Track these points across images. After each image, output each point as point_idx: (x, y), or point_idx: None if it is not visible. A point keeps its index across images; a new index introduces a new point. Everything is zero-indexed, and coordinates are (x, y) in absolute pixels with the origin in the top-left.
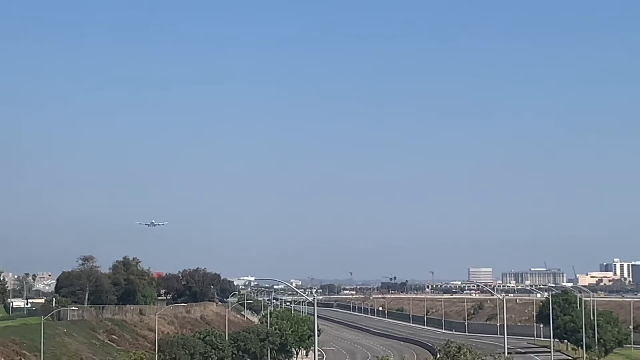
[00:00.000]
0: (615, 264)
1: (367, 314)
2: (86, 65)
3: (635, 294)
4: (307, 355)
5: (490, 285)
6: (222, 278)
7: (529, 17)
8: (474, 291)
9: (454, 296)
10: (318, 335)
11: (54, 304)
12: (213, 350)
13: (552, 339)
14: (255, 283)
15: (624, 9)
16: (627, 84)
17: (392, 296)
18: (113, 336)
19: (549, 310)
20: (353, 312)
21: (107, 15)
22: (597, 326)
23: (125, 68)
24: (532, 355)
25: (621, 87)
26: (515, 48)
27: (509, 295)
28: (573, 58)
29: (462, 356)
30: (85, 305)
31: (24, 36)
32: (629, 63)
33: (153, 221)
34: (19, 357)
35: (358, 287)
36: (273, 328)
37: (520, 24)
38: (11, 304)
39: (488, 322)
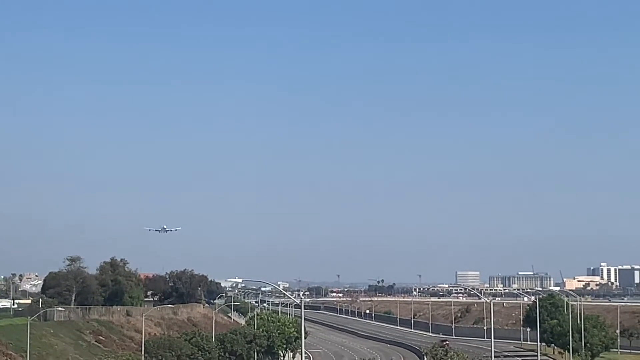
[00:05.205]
0: (602, 269)
1: (355, 317)
2: (87, 66)
3: (622, 299)
4: (294, 357)
5: (477, 289)
6: (209, 280)
7: (524, 16)
8: (461, 294)
9: (441, 299)
10: (305, 338)
11: (40, 305)
12: (199, 352)
13: (539, 343)
14: (243, 285)
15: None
16: (624, 84)
17: (380, 299)
18: (100, 337)
19: (536, 314)
20: (340, 315)
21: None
22: (584, 330)
23: (123, 68)
24: (518, 359)
25: (616, 89)
26: (511, 47)
27: (496, 299)
28: (567, 59)
29: (449, 359)
30: (72, 306)
31: (15, 33)
32: (616, 65)
33: (165, 227)
34: (5, 358)
35: (345, 289)
36: (260, 330)
37: (515, 23)
38: None
39: (475, 326)
